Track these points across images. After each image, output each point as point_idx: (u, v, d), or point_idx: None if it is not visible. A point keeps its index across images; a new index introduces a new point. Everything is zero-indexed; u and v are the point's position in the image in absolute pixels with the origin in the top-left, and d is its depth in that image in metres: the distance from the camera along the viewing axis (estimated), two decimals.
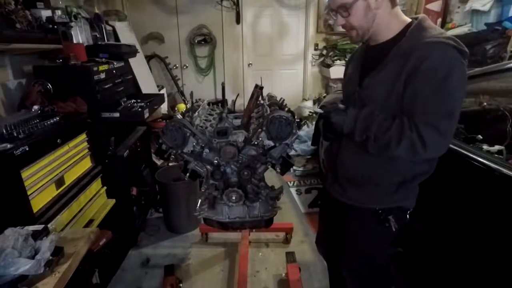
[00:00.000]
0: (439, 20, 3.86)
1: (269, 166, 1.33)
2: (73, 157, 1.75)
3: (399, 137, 1.00)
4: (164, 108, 3.53)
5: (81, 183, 1.80)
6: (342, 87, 1.36)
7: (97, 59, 2.13)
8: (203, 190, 1.38)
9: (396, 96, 1.04)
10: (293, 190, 3.20)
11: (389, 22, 1.08)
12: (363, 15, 1.06)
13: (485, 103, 1.93)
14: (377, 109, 1.06)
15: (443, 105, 0.97)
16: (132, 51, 2.58)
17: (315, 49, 4.70)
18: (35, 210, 1.44)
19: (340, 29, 1.17)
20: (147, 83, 3.35)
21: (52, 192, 1.59)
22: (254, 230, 2.18)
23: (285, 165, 1.31)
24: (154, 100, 2.54)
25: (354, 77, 1.19)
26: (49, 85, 1.83)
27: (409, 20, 1.10)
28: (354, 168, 1.19)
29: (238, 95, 4.69)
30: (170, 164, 2.91)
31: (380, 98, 1.07)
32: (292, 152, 2.38)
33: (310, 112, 4.40)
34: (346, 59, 4.37)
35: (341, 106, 1.13)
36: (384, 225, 1.16)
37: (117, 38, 3.10)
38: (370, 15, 1.06)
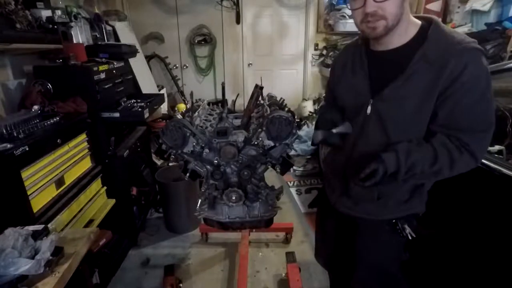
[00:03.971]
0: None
1: (269, 166, 1.33)
2: (73, 157, 1.75)
3: (451, 164, 0.96)
4: (164, 108, 3.53)
5: (81, 183, 1.80)
6: (341, 97, 1.17)
7: (97, 59, 2.13)
8: (203, 190, 1.38)
9: (426, 111, 0.97)
10: (293, 190, 3.19)
11: (408, 24, 0.98)
12: (399, 3, 0.92)
13: None
14: (409, 144, 0.98)
15: (488, 113, 0.95)
16: (132, 51, 2.58)
17: (315, 49, 4.69)
18: (35, 210, 1.45)
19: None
20: (147, 83, 3.35)
21: (52, 192, 1.59)
22: (254, 230, 2.18)
23: (285, 165, 1.30)
24: (154, 100, 2.54)
25: (363, 87, 1.06)
26: (49, 85, 1.82)
27: (418, 22, 1.00)
28: (369, 189, 1.07)
29: (238, 95, 4.69)
30: (170, 164, 2.91)
31: (408, 113, 0.98)
32: (292, 152, 2.38)
33: (310, 112, 4.39)
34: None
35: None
36: (401, 234, 1.11)
37: (117, 38, 3.10)
38: (404, 5, 0.94)
